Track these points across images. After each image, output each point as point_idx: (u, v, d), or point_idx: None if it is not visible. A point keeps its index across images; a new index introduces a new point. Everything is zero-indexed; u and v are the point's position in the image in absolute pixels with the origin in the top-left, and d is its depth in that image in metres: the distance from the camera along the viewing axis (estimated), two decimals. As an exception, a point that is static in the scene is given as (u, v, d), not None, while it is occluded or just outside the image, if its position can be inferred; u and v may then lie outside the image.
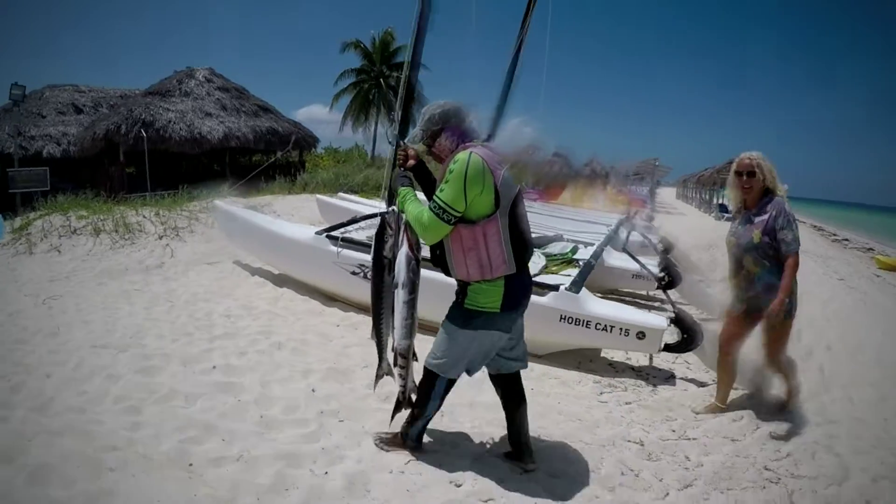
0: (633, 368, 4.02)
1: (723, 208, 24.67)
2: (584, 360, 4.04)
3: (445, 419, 2.86)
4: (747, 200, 2.95)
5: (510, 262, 2.14)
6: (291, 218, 8.84)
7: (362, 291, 3.74)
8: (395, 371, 2.40)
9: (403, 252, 2.23)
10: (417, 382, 2.43)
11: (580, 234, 6.72)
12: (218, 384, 3.12)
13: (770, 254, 2.82)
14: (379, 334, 2.37)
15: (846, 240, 18.76)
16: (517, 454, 2.48)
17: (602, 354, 4.20)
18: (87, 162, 16.37)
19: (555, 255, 5.21)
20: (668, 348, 3.82)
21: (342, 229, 4.75)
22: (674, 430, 3.04)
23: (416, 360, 2.38)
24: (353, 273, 4.42)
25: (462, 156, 2.11)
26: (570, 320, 3.73)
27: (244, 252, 6.15)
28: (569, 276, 4.43)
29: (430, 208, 2.12)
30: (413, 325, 2.28)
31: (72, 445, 2.33)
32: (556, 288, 3.86)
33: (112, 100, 19.52)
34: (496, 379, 2.50)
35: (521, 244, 2.18)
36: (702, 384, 3.72)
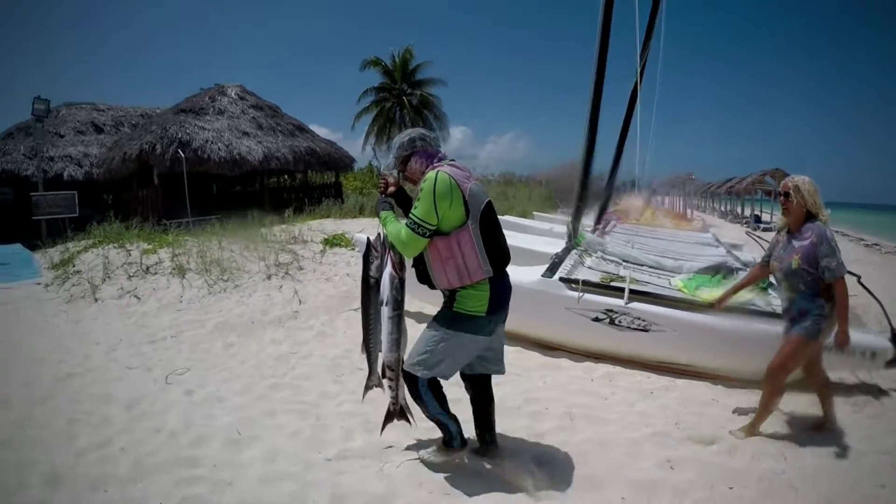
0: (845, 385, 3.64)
1: (756, 219, 23.63)
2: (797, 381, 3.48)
3: None
4: (789, 222, 2.95)
5: (486, 265, 2.19)
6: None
7: (606, 339, 3.88)
8: (385, 383, 2.40)
9: (387, 272, 2.28)
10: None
11: (703, 257, 5.93)
12: None
13: (806, 280, 2.78)
14: (368, 349, 2.39)
15: (877, 244, 17.55)
16: (482, 450, 2.49)
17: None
18: (111, 185, 14.70)
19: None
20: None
21: (562, 268, 4.32)
22: None
23: None
24: (596, 319, 4.03)
25: (430, 174, 2.19)
26: None
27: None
28: None
29: (407, 225, 2.18)
30: (400, 339, 2.29)
31: None
32: None
33: (133, 118, 17.92)
34: (468, 378, 2.49)
35: (496, 249, 2.23)
36: None
